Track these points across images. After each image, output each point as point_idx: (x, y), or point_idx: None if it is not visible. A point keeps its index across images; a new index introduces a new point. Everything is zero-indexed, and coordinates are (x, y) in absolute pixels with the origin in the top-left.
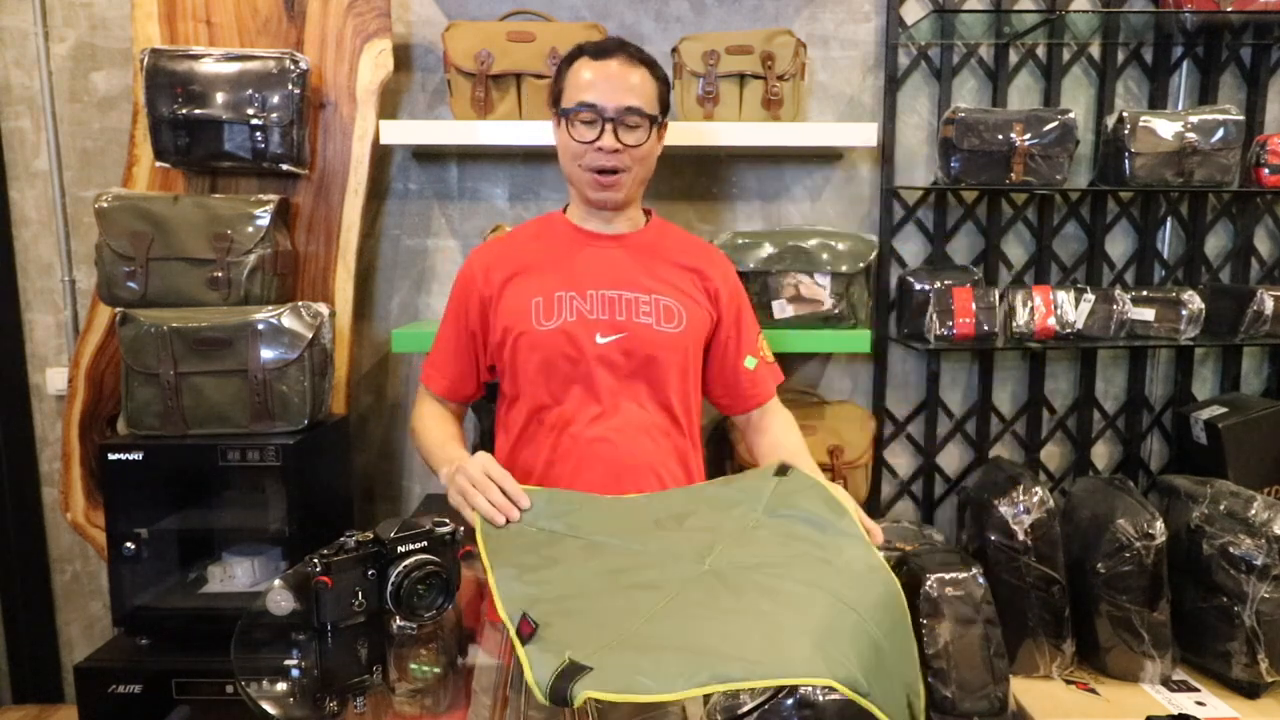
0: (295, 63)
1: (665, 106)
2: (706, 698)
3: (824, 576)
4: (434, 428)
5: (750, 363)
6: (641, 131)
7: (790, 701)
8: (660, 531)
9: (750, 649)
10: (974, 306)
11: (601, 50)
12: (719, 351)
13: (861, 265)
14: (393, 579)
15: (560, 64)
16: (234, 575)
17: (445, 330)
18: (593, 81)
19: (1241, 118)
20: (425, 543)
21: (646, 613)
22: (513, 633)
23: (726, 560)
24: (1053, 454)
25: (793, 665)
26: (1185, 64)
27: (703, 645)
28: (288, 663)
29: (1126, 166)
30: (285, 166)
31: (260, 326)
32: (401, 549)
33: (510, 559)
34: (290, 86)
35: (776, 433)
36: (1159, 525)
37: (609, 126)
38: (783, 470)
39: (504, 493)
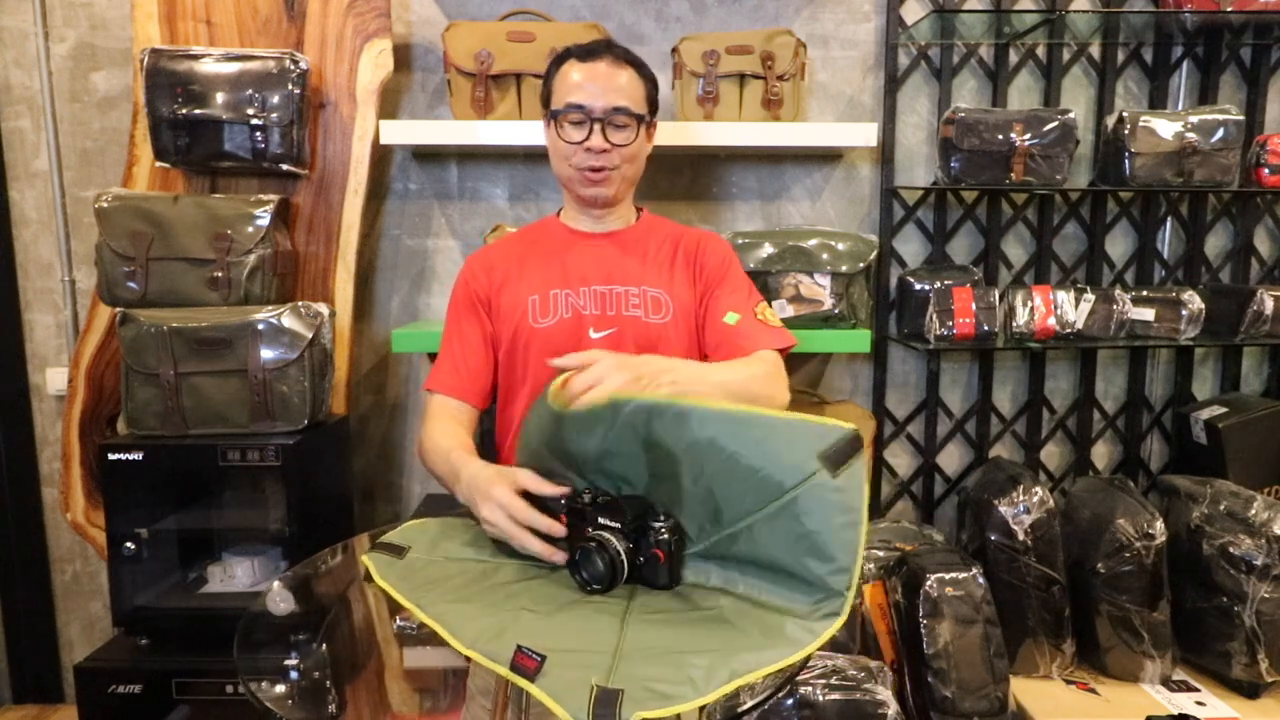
0: (295, 63)
1: (654, 106)
2: None
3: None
4: (440, 438)
5: (731, 318)
6: (629, 131)
7: (790, 702)
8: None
9: (748, 642)
10: (974, 306)
11: (588, 52)
12: (704, 311)
13: (861, 265)
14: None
15: (549, 67)
16: (234, 575)
17: (451, 333)
18: (580, 83)
19: (1241, 118)
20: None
21: (615, 628)
22: (506, 673)
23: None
24: (1053, 454)
25: (784, 643)
26: (1185, 64)
27: (698, 648)
28: (289, 663)
29: (1126, 166)
30: (285, 166)
31: (260, 326)
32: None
33: (435, 597)
34: (290, 86)
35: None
36: (1159, 525)
37: (597, 127)
38: None
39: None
